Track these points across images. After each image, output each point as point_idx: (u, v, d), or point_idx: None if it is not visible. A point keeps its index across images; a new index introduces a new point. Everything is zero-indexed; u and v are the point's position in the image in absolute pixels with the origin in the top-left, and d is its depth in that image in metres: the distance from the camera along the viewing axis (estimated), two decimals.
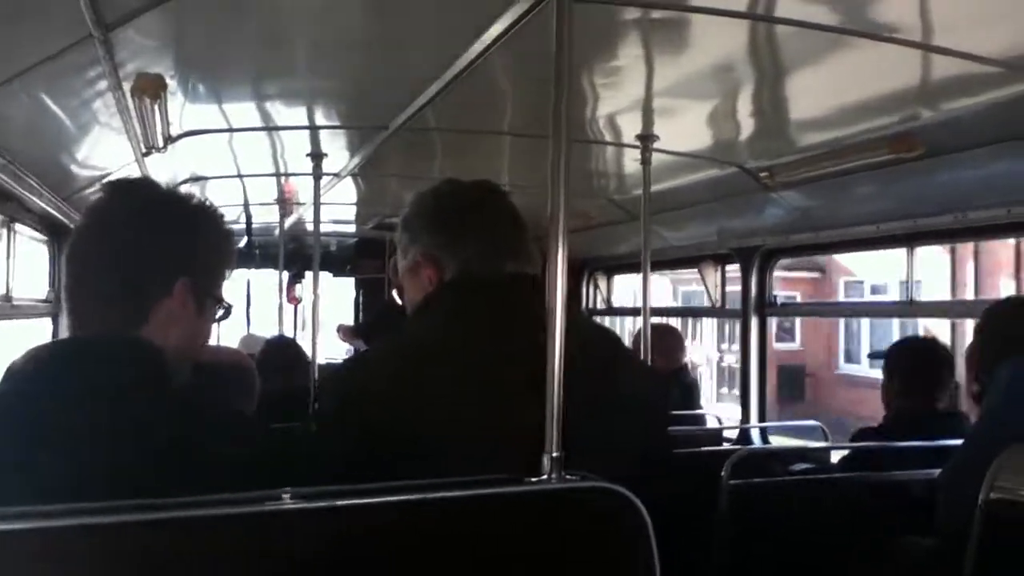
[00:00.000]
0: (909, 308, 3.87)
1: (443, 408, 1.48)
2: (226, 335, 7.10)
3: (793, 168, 3.37)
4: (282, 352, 4.12)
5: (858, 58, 2.19)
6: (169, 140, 2.92)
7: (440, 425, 1.47)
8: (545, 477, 1.29)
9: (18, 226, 3.26)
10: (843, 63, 2.25)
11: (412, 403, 1.49)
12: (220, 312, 1.51)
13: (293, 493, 1.17)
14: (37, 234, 3.54)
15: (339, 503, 1.17)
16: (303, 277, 7.07)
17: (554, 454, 1.29)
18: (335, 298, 8.35)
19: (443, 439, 1.45)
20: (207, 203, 1.52)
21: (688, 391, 4.96)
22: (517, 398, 1.43)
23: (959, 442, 2.54)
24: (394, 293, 6.12)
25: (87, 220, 1.43)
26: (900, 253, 3.73)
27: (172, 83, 2.38)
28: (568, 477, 1.29)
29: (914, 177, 3.06)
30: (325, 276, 5.21)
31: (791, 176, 3.44)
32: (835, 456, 3.60)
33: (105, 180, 1.50)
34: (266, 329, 6.50)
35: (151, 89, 2.31)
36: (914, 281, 3.79)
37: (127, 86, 2.31)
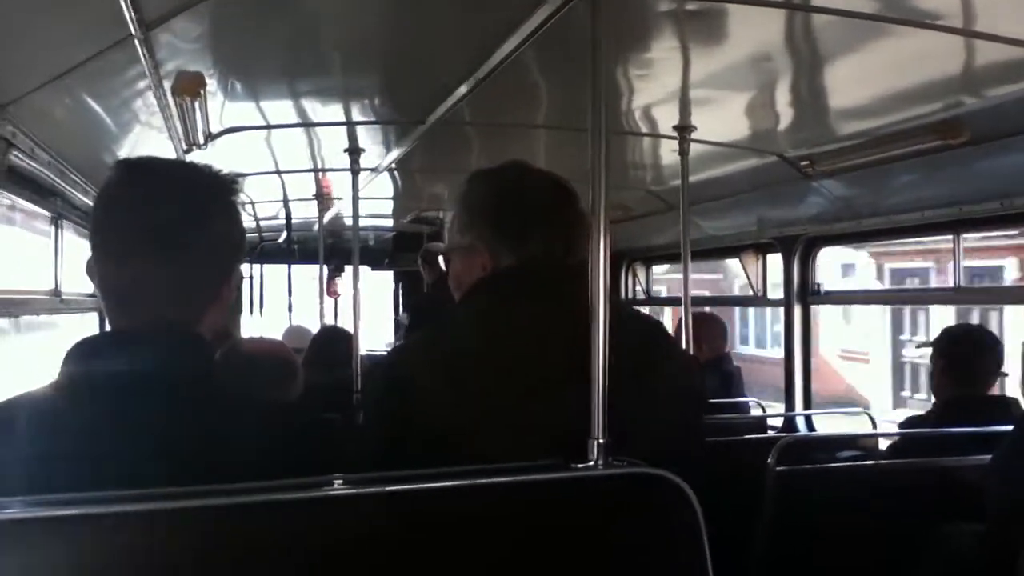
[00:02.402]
0: (956, 295, 3.80)
1: (486, 397, 1.49)
2: (269, 327, 7.23)
3: (835, 157, 3.33)
4: (335, 344, 4.08)
5: (899, 45, 2.15)
6: (209, 137, 2.96)
7: (482, 413, 1.47)
8: (592, 463, 1.29)
9: (65, 223, 3.32)
10: (883, 51, 2.21)
11: (455, 392, 1.49)
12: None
13: (345, 479, 1.18)
14: (85, 231, 3.61)
15: (389, 488, 1.18)
16: (342, 271, 7.14)
17: (600, 440, 1.29)
18: (374, 291, 8.42)
19: (485, 427, 1.46)
20: (226, 177, 1.43)
21: (731, 379, 4.92)
22: (562, 387, 1.42)
23: (1008, 428, 2.50)
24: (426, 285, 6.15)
25: (129, 214, 1.34)
26: None
27: (211, 81, 2.41)
28: (615, 463, 1.29)
29: (959, 164, 3.01)
30: (364, 270, 5.26)
31: (833, 165, 3.40)
32: (883, 444, 3.56)
33: (124, 159, 1.45)
34: (308, 322, 6.57)
35: (191, 87, 2.34)
36: (961, 267, 3.72)
37: (167, 84, 2.34)
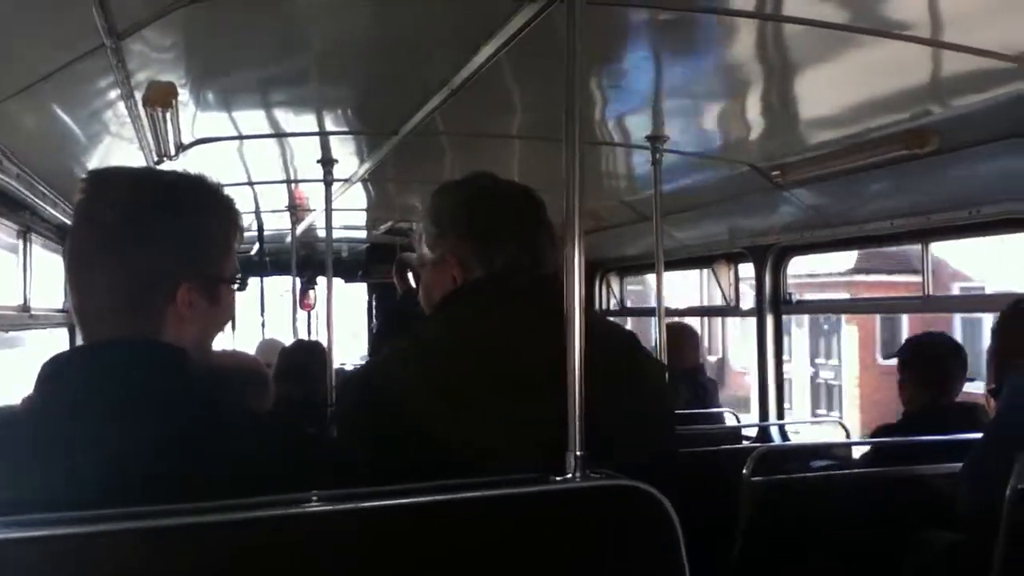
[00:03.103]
0: (924, 303, 3.85)
1: (460, 408, 1.48)
2: (241, 341, 7.16)
3: (805, 166, 3.36)
4: (305, 357, 4.03)
5: (868, 55, 2.18)
6: (181, 148, 2.94)
7: (458, 425, 1.47)
8: (570, 476, 1.29)
9: (34, 236, 3.28)
10: (853, 61, 2.24)
11: (429, 403, 1.49)
12: (236, 286, 1.44)
13: (320, 496, 1.16)
14: (54, 244, 3.57)
15: (365, 505, 1.17)
16: (316, 283, 7.09)
17: (578, 453, 1.29)
18: (348, 304, 8.38)
19: (461, 438, 1.45)
20: (200, 181, 1.40)
21: (705, 390, 4.94)
22: (536, 397, 1.43)
23: (978, 436, 2.53)
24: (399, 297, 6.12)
25: (79, 225, 1.34)
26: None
27: (183, 91, 2.39)
28: (593, 476, 1.29)
29: (927, 173, 3.05)
30: (337, 282, 5.24)
31: (803, 174, 3.43)
32: (856, 452, 3.59)
33: (90, 171, 1.43)
34: (282, 335, 6.52)
35: (162, 97, 2.32)
36: (929, 276, 3.77)
37: (139, 95, 2.32)
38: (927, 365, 3.20)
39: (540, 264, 1.65)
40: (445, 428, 1.46)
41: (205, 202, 1.40)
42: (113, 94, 2.29)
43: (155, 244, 1.32)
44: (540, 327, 1.48)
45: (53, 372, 1.27)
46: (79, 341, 1.36)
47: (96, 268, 1.30)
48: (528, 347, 1.50)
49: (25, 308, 3.21)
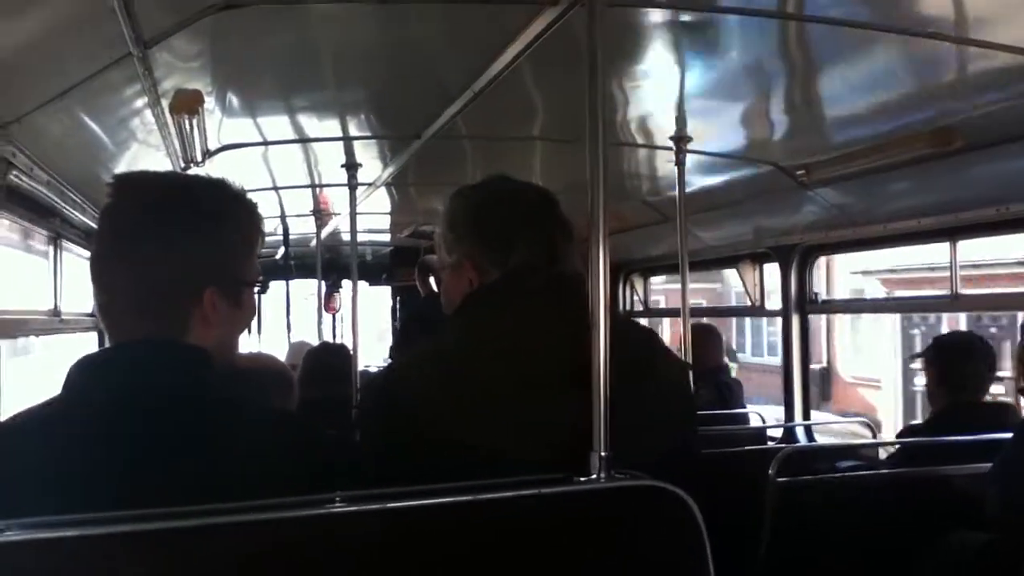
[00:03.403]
0: (953, 302, 3.81)
1: (481, 410, 1.49)
2: (267, 343, 7.22)
3: (830, 165, 3.34)
4: (330, 360, 4.06)
5: (893, 54, 2.17)
6: (207, 154, 2.97)
7: (479, 427, 1.48)
8: (594, 476, 1.29)
9: (64, 242, 3.33)
10: (877, 59, 2.23)
11: (450, 406, 1.50)
12: (257, 290, 1.47)
13: (343, 496, 1.17)
14: (83, 250, 3.62)
15: (389, 506, 1.18)
16: (340, 286, 7.13)
17: (602, 453, 1.29)
18: (372, 306, 8.42)
19: (476, 441, 1.46)
20: (224, 186, 1.43)
21: (730, 390, 4.92)
22: (554, 398, 1.44)
23: (1008, 435, 2.50)
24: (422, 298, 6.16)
25: (107, 228, 1.37)
26: None
27: (209, 98, 2.42)
28: (617, 476, 1.29)
29: (954, 171, 3.02)
30: (362, 285, 5.27)
31: (828, 173, 3.41)
32: (882, 453, 3.56)
33: (116, 175, 1.45)
34: (307, 337, 6.56)
35: (189, 105, 2.36)
36: (958, 274, 3.73)
37: (165, 102, 2.35)
38: (952, 365, 3.17)
39: (555, 263, 1.66)
40: (461, 431, 1.47)
41: (229, 207, 1.42)
42: (140, 102, 2.32)
43: (182, 248, 1.34)
44: (557, 327, 1.51)
45: (82, 372, 1.30)
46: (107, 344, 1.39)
47: (124, 270, 1.33)
48: (545, 347, 1.51)
49: (56, 313, 3.25)
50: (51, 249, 3.28)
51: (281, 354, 5.54)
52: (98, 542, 1.06)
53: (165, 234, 1.33)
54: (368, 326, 7.39)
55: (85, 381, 1.29)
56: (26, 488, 1.18)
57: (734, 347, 15.02)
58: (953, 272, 3.70)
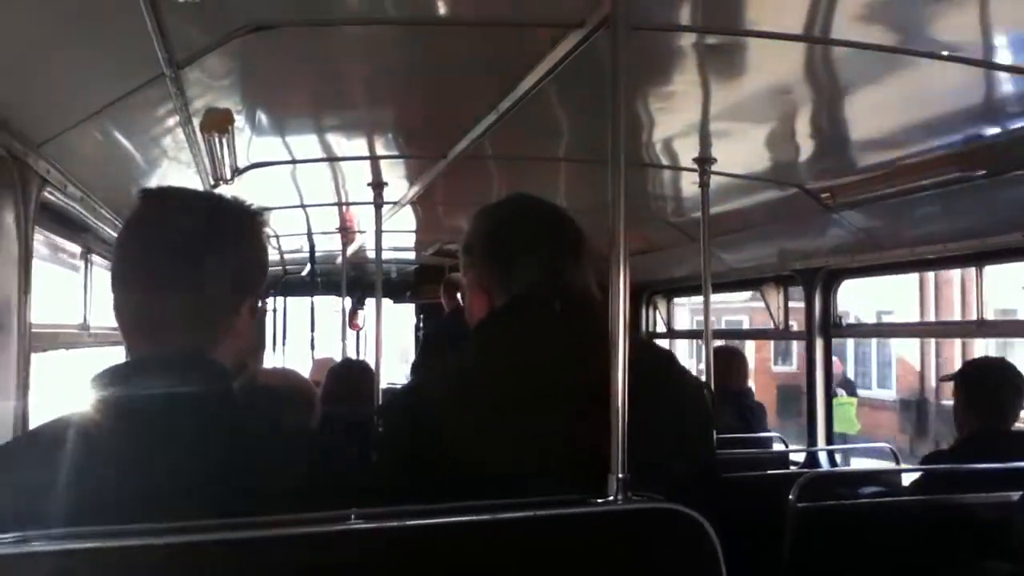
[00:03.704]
0: (978, 328, 3.78)
1: (502, 429, 1.50)
2: (292, 361, 7.26)
3: (856, 188, 3.33)
4: (353, 377, 4.09)
5: (919, 77, 2.16)
6: (236, 172, 3.01)
7: (499, 445, 1.48)
8: (612, 498, 1.29)
9: (95, 257, 3.37)
10: (904, 82, 2.22)
11: (472, 424, 1.51)
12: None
13: (358, 513, 1.18)
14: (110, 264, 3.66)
15: (406, 523, 1.19)
16: (364, 304, 7.18)
17: (620, 475, 1.29)
18: (396, 324, 8.45)
19: (503, 459, 1.47)
20: (250, 207, 1.47)
21: (753, 414, 4.89)
22: (571, 419, 1.45)
23: None
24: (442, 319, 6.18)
25: (151, 239, 1.37)
26: None
27: (239, 117, 2.46)
28: (635, 498, 1.29)
29: (981, 195, 3.00)
30: (386, 302, 5.31)
31: (854, 196, 3.40)
32: (905, 479, 3.52)
33: (147, 188, 1.48)
34: (331, 353, 6.60)
35: (219, 124, 2.39)
36: (984, 301, 3.70)
37: (196, 121, 2.39)
38: (982, 392, 3.11)
39: (557, 285, 1.65)
40: (482, 449, 1.47)
41: (258, 226, 1.47)
42: (172, 121, 2.36)
43: (226, 268, 1.38)
44: (567, 348, 1.53)
45: (108, 384, 1.31)
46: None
47: (170, 281, 1.34)
48: (555, 368, 1.52)
49: (84, 326, 3.30)
50: (82, 264, 3.33)
51: (305, 370, 5.57)
52: (117, 555, 1.07)
53: (216, 247, 1.37)
54: (389, 345, 7.42)
55: (118, 392, 1.30)
56: (51, 499, 1.19)
57: (851, 377, 13.56)
58: (980, 298, 3.68)
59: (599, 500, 1.29)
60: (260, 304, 1.47)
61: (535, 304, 1.64)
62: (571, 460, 1.38)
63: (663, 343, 6.00)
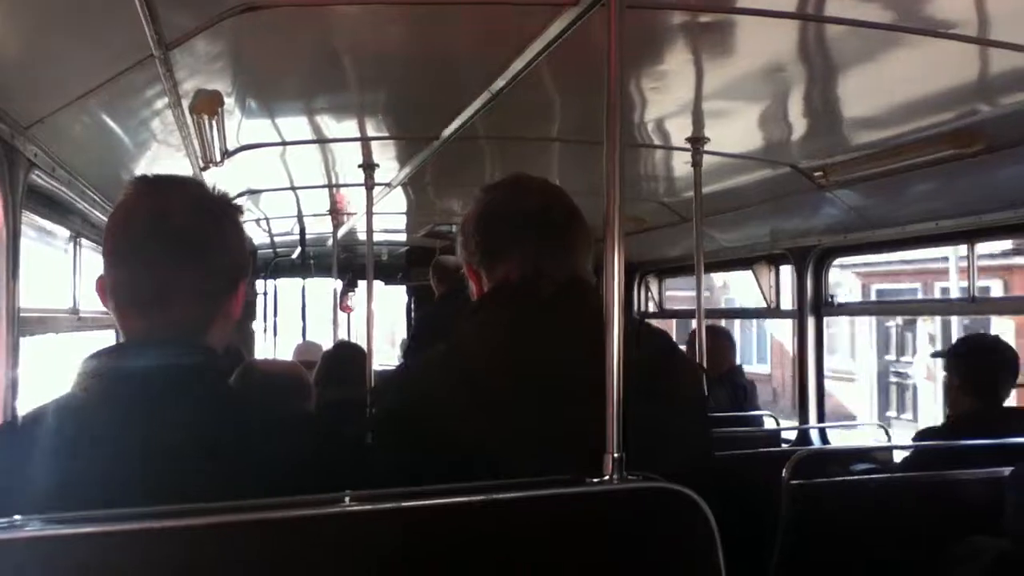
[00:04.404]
0: (971, 305, 3.79)
1: (490, 412, 1.50)
2: (284, 346, 7.25)
3: (848, 167, 3.33)
4: (346, 360, 4.08)
5: (913, 55, 2.16)
6: (226, 154, 2.99)
7: (488, 429, 1.49)
8: (607, 478, 1.29)
9: (84, 240, 3.35)
10: (897, 60, 2.22)
11: (461, 408, 1.52)
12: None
13: (354, 496, 1.18)
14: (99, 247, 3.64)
15: (400, 505, 1.18)
16: (356, 286, 7.17)
17: (615, 455, 1.29)
18: (388, 306, 8.45)
19: (491, 443, 1.47)
20: (230, 198, 1.50)
21: (744, 392, 4.91)
22: (565, 401, 1.46)
23: None
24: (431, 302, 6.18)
25: (150, 224, 1.37)
26: None
27: (229, 99, 2.44)
28: (630, 478, 1.29)
29: (974, 173, 3.00)
30: (377, 284, 5.29)
31: (846, 175, 3.40)
32: (897, 456, 3.54)
33: (142, 175, 1.48)
34: (321, 337, 6.59)
35: (209, 106, 2.37)
36: (975, 277, 3.71)
37: (186, 103, 2.37)
38: (975, 371, 3.11)
39: (545, 270, 1.65)
40: (476, 431, 1.48)
41: (241, 219, 1.51)
42: (161, 103, 2.33)
43: (225, 252, 1.41)
44: (554, 333, 1.54)
45: (106, 365, 1.31)
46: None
47: (170, 265, 1.35)
48: (540, 354, 1.53)
49: (75, 311, 3.28)
50: (71, 247, 3.30)
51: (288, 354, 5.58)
52: (112, 538, 1.07)
53: (217, 232, 1.40)
54: (380, 328, 7.41)
55: (109, 376, 1.30)
56: (44, 483, 1.20)
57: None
58: (971, 275, 3.69)
59: (595, 480, 1.29)
60: (250, 292, 1.48)
61: (519, 290, 1.64)
62: (565, 442, 1.38)
63: (654, 323, 6.01)
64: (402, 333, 8.54)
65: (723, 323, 6.61)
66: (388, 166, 3.70)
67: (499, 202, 1.75)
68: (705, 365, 3.62)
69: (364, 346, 3.89)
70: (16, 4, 1.57)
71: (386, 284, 8.00)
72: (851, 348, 16.57)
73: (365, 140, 3.28)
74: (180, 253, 1.35)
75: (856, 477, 3.13)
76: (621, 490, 1.29)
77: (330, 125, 3.08)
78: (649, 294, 6.29)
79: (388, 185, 4.09)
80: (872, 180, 3.34)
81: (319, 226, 5.79)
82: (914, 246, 4.05)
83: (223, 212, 1.44)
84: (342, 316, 6.93)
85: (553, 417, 1.47)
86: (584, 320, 1.49)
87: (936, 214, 3.47)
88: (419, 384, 1.66)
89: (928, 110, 2.67)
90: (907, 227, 3.65)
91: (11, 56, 1.78)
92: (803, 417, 4.55)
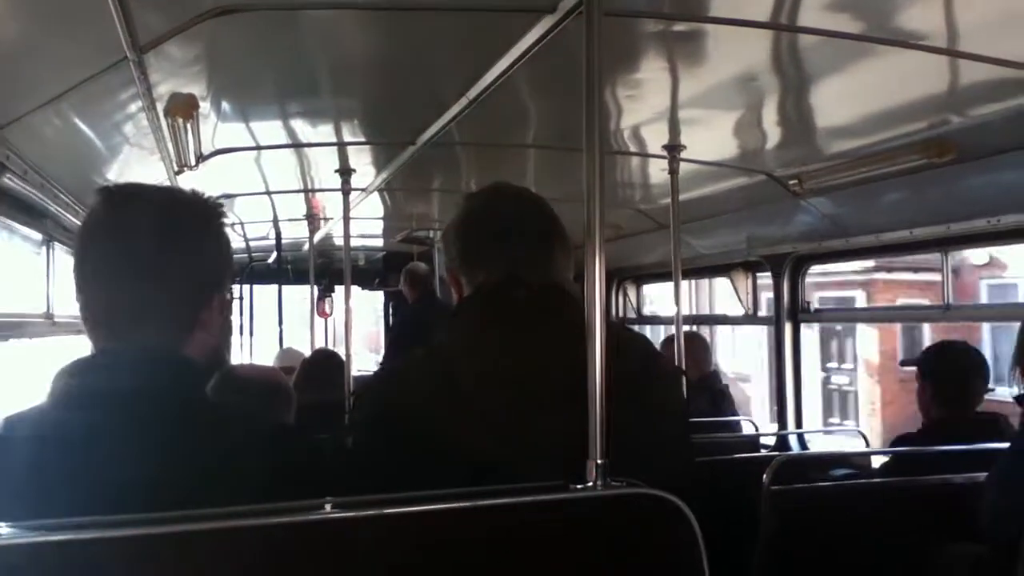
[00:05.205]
0: (945, 313, 3.82)
1: (469, 416, 1.50)
2: (260, 352, 7.20)
3: (823, 175, 3.36)
4: (325, 366, 4.11)
5: (885, 65, 2.18)
6: (200, 158, 2.97)
7: (473, 433, 1.48)
8: (591, 484, 1.29)
9: (57, 244, 3.31)
10: (870, 70, 2.24)
11: (445, 412, 1.51)
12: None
13: (335, 503, 1.17)
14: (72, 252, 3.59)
15: (383, 512, 1.18)
16: (333, 291, 7.13)
17: (599, 461, 1.29)
18: (365, 311, 8.41)
19: (477, 446, 1.47)
20: (209, 199, 1.46)
21: (722, 397, 4.93)
22: (544, 406, 1.46)
23: (1001, 445, 2.50)
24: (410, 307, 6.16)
25: (117, 235, 1.35)
26: None
27: (204, 103, 2.42)
28: (614, 484, 1.29)
29: (946, 182, 3.04)
30: (354, 290, 5.27)
31: (821, 183, 3.43)
32: (875, 462, 3.56)
33: (107, 186, 1.46)
34: (300, 344, 6.55)
35: (184, 109, 2.35)
36: (950, 285, 3.74)
37: (160, 106, 2.35)
38: (947, 379, 3.11)
39: (522, 277, 1.65)
40: (456, 437, 1.48)
41: (220, 218, 1.47)
42: (135, 106, 2.31)
43: (193, 265, 1.38)
44: (531, 340, 1.54)
45: (82, 377, 1.29)
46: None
47: (135, 280, 1.33)
48: (517, 359, 1.53)
49: (48, 316, 3.24)
50: (44, 251, 3.27)
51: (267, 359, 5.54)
52: (88, 547, 1.06)
53: (183, 243, 1.37)
54: (357, 333, 7.37)
55: (85, 387, 1.28)
56: (19, 492, 1.18)
57: None
58: (945, 283, 3.72)
59: (578, 486, 1.29)
60: (228, 297, 1.47)
61: (494, 295, 1.64)
62: (545, 447, 1.38)
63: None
64: (378, 337, 8.50)
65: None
66: (365, 171, 3.69)
67: (479, 209, 1.78)
68: (684, 369, 3.64)
69: (342, 352, 3.89)
70: None
71: (363, 290, 7.97)
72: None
73: (342, 145, 3.27)
74: (146, 272, 1.33)
75: (835, 483, 3.15)
76: (604, 496, 1.29)
77: (306, 130, 3.07)
78: (627, 300, 6.31)
79: (364, 190, 4.07)
80: (846, 188, 3.37)
81: (295, 231, 5.76)
82: (889, 253, 4.08)
83: (190, 221, 1.40)
84: (319, 321, 6.89)
85: (533, 422, 1.47)
86: (562, 326, 1.49)
87: (910, 222, 3.50)
88: (398, 388, 1.66)
89: (900, 120, 2.70)
90: (882, 235, 3.68)
91: None
92: (782, 422, 4.57)
